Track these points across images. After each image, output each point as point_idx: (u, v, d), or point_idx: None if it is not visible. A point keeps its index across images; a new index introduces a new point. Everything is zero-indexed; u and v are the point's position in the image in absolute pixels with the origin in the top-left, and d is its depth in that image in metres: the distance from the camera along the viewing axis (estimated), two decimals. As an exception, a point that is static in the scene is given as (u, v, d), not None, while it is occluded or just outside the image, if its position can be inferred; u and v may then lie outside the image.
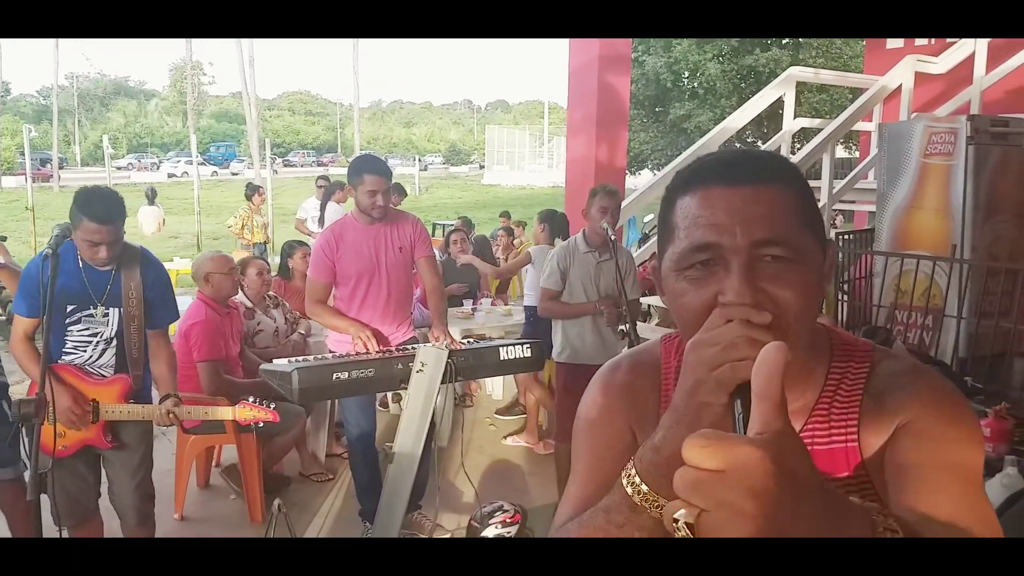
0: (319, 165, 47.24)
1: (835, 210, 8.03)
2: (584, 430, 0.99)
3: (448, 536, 3.66)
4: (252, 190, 10.29)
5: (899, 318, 4.98)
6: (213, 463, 4.42)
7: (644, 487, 0.76)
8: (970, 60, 6.95)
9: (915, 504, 0.80)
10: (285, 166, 46.00)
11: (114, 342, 2.82)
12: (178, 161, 39.75)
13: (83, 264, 2.72)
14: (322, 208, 8.34)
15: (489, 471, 4.59)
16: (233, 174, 39.21)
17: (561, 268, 3.65)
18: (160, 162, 43.55)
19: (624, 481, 0.78)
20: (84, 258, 2.70)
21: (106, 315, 2.78)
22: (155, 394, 2.97)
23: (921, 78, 7.27)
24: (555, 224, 5.33)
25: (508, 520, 3.44)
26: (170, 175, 36.48)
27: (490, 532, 3.39)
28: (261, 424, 3.04)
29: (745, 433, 0.64)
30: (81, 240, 2.63)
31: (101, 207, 2.59)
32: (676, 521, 0.57)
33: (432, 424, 3.25)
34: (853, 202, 7.12)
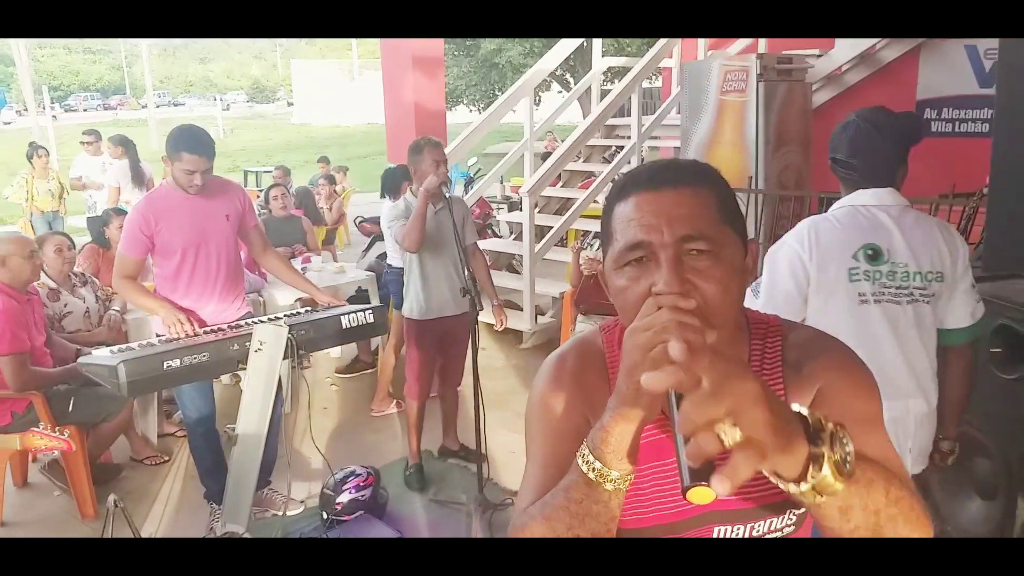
0: (106, 109, 43.11)
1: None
2: (539, 417, 1.06)
3: (302, 509, 3.63)
4: (33, 150, 8.86)
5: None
6: (31, 459, 4.08)
7: (597, 464, 0.86)
8: (757, -1, 7.44)
9: None
10: (66, 112, 41.59)
11: None
12: (-68, 112, 35.06)
13: None
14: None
15: (335, 434, 4.56)
16: (5, 123, 35.09)
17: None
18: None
19: (579, 461, 0.88)
20: None
21: None
22: None
23: (715, 16, 7.70)
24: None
25: (362, 484, 3.45)
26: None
27: (344, 498, 3.40)
28: (56, 453, 2.73)
29: (677, 406, 0.75)
30: None
31: None
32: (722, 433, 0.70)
33: (278, 400, 3.18)
34: (658, 138, 7.50)
